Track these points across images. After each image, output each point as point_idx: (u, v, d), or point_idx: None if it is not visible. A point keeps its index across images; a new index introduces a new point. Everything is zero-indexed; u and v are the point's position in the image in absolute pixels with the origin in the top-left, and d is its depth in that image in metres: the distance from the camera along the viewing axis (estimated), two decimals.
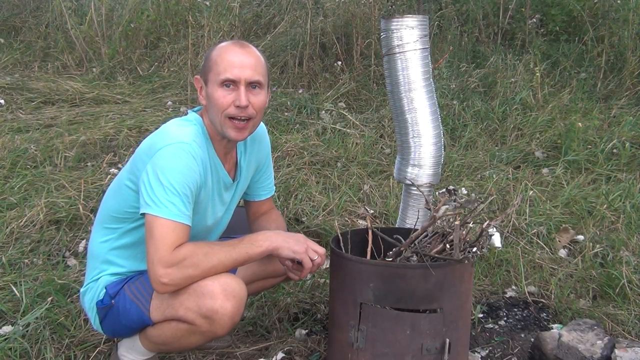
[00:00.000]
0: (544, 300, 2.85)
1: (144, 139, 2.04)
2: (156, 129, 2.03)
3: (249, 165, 2.18)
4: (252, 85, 1.93)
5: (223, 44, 1.99)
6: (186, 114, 2.08)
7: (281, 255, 1.93)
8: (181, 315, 1.87)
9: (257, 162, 2.23)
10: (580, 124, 4.62)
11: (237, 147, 2.12)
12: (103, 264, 2.03)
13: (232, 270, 1.97)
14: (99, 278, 2.03)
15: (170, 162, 1.83)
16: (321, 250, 1.96)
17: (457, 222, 1.95)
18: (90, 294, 2.04)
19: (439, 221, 2.02)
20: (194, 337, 1.92)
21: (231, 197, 2.14)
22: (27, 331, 2.29)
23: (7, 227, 3.06)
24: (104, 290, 2.00)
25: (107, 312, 2.00)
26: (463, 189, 3.82)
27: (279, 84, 5.52)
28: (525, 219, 3.42)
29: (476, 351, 2.45)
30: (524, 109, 5.05)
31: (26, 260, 2.86)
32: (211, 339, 1.96)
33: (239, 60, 1.91)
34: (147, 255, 1.81)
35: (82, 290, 2.09)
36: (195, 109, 2.09)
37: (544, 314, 2.77)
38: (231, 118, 1.92)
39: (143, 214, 1.85)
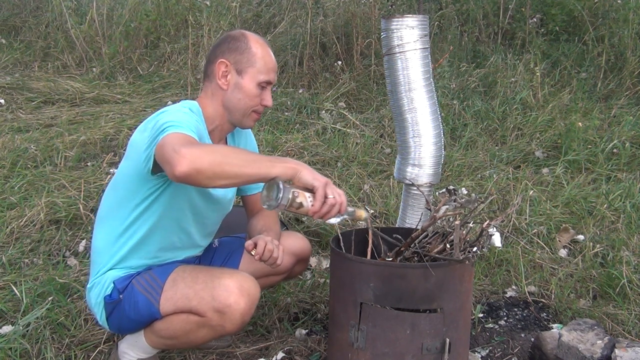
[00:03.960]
0: (544, 300, 2.85)
1: None
2: None
3: None
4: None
5: (258, 38, 2.07)
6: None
7: (302, 179, 1.78)
8: (194, 306, 1.89)
9: None
10: (580, 123, 4.62)
11: (227, 137, 2.17)
12: (109, 259, 2.03)
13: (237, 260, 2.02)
14: (105, 273, 2.03)
15: (172, 114, 1.85)
16: (340, 197, 1.81)
17: (457, 222, 1.95)
18: (97, 289, 2.03)
19: (439, 221, 2.02)
20: (203, 330, 1.92)
21: None
22: (27, 331, 2.29)
23: (7, 227, 3.06)
24: (112, 285, 2.00)
25: (114, 306, 1.99)
26: (463, 188, 3.82)
27: (279, 83, 5.52)
28: (526, 218, 3.42)
29: (476, 351, 2.45)
30: (524, 109, 5.05)
31: (26, 260, 2.86)
32: (219, 335, 1.96)
33: (274, 64, 2.07)
34: (164, 157, 1.70)
35: (88, 286, 2.09)
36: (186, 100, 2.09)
37: (544, 314, 2.77)
38: (254, 111, 2.05)
39: (157, 173, 1.84)
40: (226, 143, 2.16)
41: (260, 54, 2.02)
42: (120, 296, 1.98)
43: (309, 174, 1.78)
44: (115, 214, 2.02)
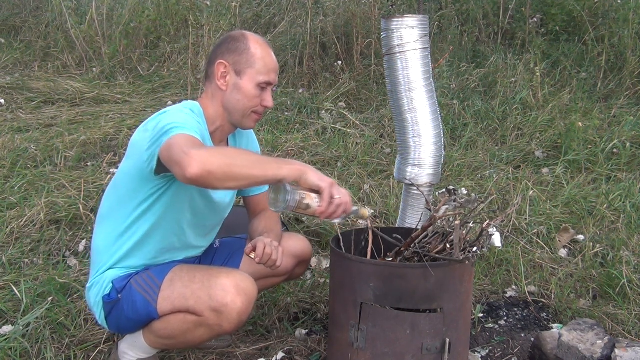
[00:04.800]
0: (544, 300, 2.85)
1: None
2: None
3: None
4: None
5: (259, 39, 2.06)
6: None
7: (308, 180, 1.79)
8: (191, 306, 1.89)
9: None
10: (580, 123, 4.62)
11: (228, 138, 2.17)
12: (108, 258, 2.03)
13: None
14: (104, 272, 2.03)
15: (174, 115, 1.85)
16: (346, 197, 1.82)
17: (457, 222, 1.95)
18: (96, 289, 2.03)
19: (439, 221, 2.02)
20: (201, 330, 1.92)
21: None
22: (27, 331, 2.29)
23: (7, 227, 3.06)
24: (111, 285, 2.00)
25: (113, 306, 2.00)
26: (463, 188, 3.82)
27: (279, 83, 5.51)
28: (526, 218, 3.42)
29: (476, 351, 2.45)
30: (524, 109, 5.05)
31: (26, 260, 2.86)
32: (217, 334, 1.96)
33: (274, 64, 2.06)
34: (173, 159, 1.71)
35: (87, 285, 2.09)
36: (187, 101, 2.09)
37: (544, 314, 2.77)
38: (254, 112, 2.05)
39: (161, 174, 1.85)
40: (227, 144, 2.16)
41: (259, 55, 2.02)
42: (119, 296, 1.98)
43: (314, 176, 1.79)
44: (117, 214, 2.02)
